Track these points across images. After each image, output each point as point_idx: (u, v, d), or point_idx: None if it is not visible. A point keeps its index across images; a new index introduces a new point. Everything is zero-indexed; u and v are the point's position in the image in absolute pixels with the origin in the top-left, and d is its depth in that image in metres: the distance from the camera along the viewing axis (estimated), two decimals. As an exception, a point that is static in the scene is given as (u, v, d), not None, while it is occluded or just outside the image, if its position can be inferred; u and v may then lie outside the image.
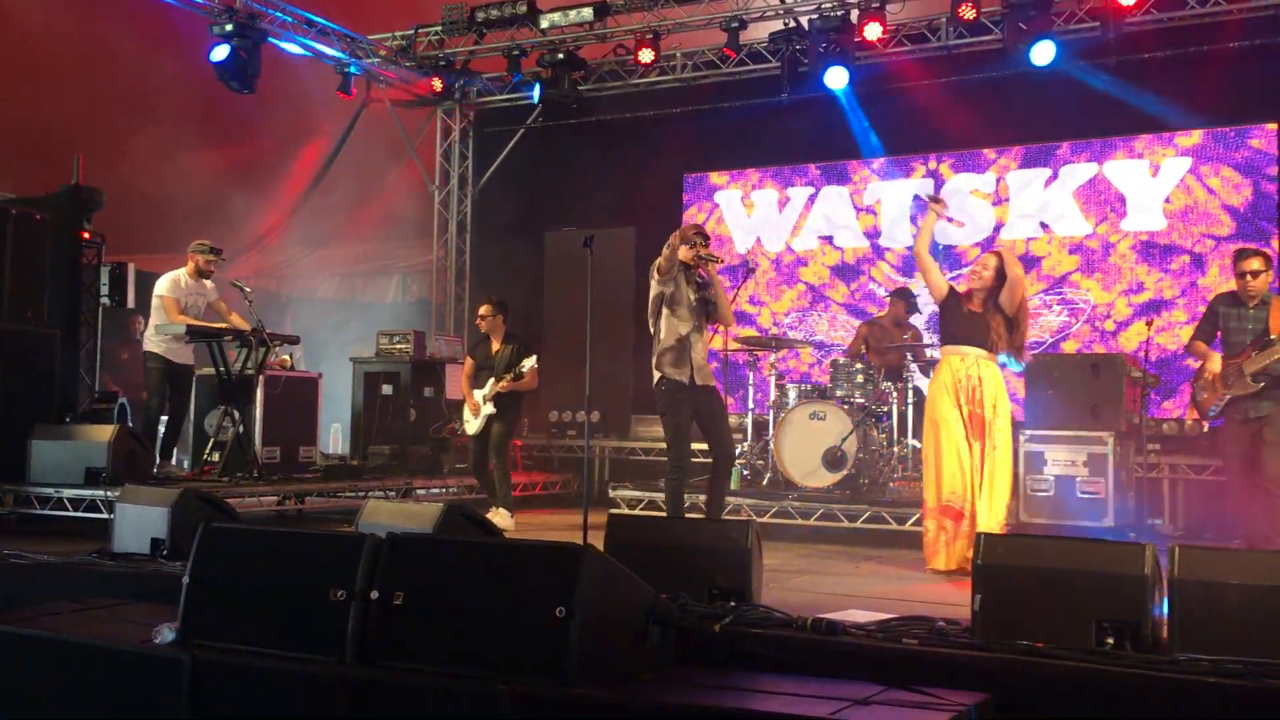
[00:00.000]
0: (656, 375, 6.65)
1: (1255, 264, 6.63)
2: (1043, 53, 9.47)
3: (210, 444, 8.78)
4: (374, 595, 3.85)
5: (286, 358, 9.53)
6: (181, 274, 8.70)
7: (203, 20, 10.36)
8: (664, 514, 8.30)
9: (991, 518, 6.27)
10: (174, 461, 9.23)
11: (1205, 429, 6.85)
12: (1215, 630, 3.79)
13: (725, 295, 6.81)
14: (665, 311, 6.60)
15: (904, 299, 9.53)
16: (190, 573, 4.19)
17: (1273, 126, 9.56)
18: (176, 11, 10.33)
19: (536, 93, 11.44)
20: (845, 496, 8.08)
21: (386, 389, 10.62)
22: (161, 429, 8.94)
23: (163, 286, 8.62)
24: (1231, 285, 6.98)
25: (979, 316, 6.46)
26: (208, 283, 8.83)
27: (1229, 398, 6.62)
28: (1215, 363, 6.70)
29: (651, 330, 6.72)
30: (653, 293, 6.65)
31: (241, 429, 8.49)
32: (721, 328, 7.84)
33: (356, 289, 14.66)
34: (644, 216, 12.02)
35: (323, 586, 3.91)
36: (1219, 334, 6.84)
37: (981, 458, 6.33)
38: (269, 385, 8.95)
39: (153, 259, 11.46)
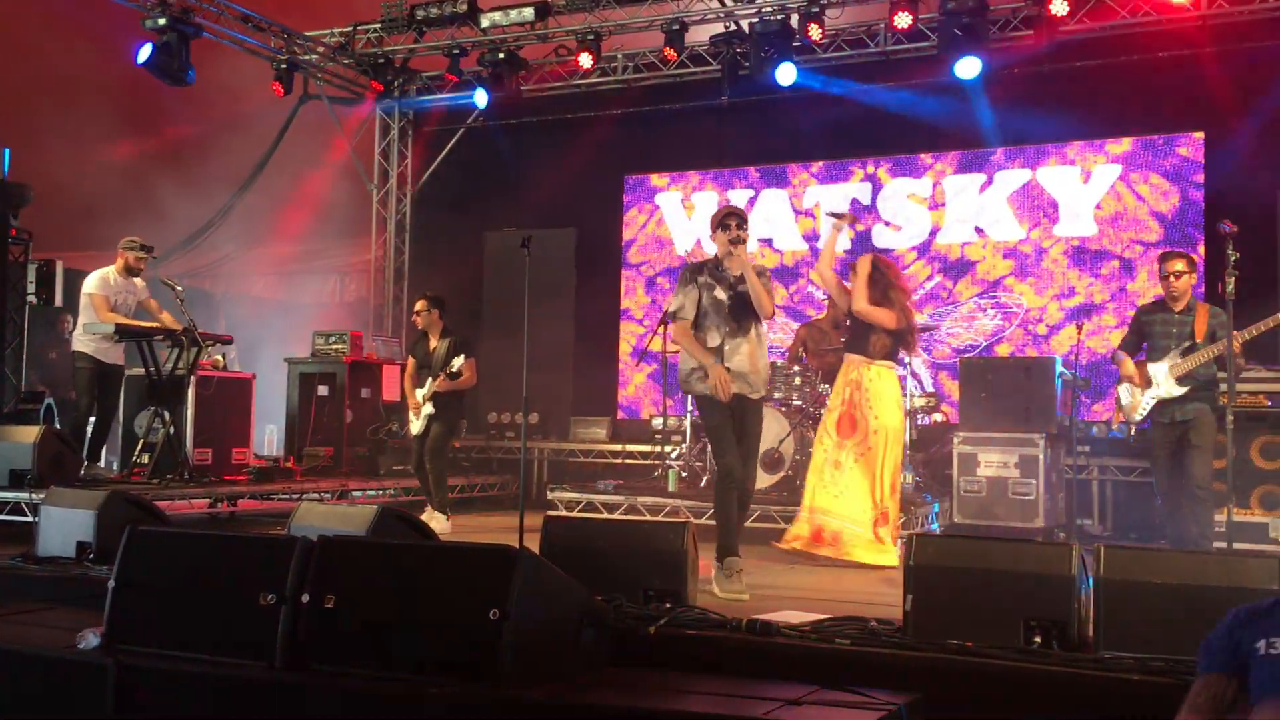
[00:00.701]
0: (690, 396, 6.10)
1: (1179, 265, 6.73)
2: (967, 67, 9.63)
3: (140, 446, 8.62)
4: (305, 599, 3.81)
5: (219, 358, 9.38)
6: (111, 272, 8.52)
7: (130, 12, 10.17)
8: (600, 515, 8.31)
9: (841, 515, 6.62)
10: (102, 463, 9.04)
11: (1133, 432, 6.94)
12: (1140, 628, 3.87)
13: (760, 283, 5.75)
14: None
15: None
16: (116, 576, 4.12)
17: (1199, 135, 9.78)
18: (103, 2, 10.12)
19: (483, 99, 11.36)
20: (782, 498, 8.12)
21: (323, 390, 10.50)
22: (90, 430, 8.76)
23: (92, 284, 8.44)
24: (1157, 290, 7.11)
25: (862, 327, 6.79)
26: (138, 281, 8.66)
27: (1155, 401, 6.70)
28: (1129, 367, 6.84)
29: None
30: None
31: (172, 430, 8.34)
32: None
33: (293, 288, 14.49)
34: (584, 218, 12.03)
35: (252, 590, 3.85)
36: (1144, 345, 6.93)
37: (839, 455, 6.65)
38: (201, 386, 8.80)
39: (83, 256, 11.24)
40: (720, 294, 5.79)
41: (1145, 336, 6.89)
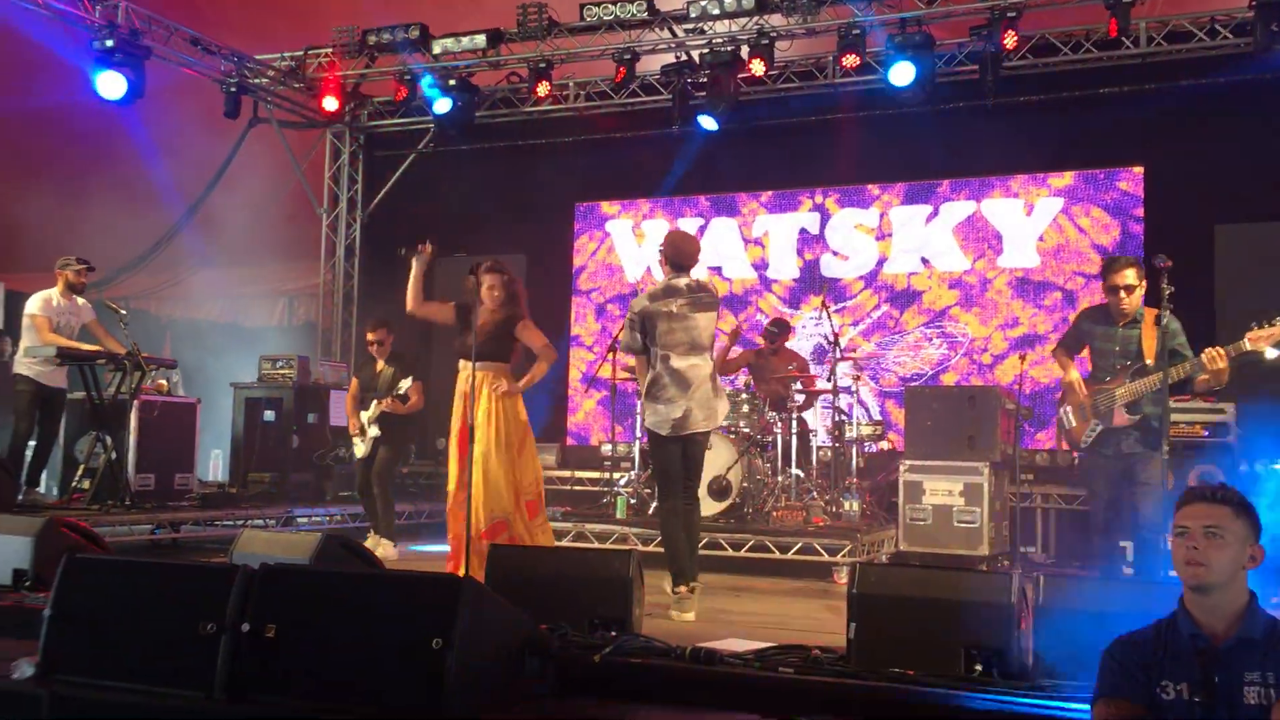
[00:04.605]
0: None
1: (1130, 277, 5.77)
2: (901, 73, 9.54)
3: (80, 471, 8.48)
4: (245, 628, 3.76)
5: (164, 382, 9.27)
6: (54, 293, 8.41)
7: (78, 33, 10.05)
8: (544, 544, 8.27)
9: (474, 518, 6.26)
10: (41, 489, 8.89)
11: (1075, 460, 6.59)
12: (1076, 656, 3.91)
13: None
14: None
15: (779, 330, 9.51)
16: (52, 605, 4.03)
17: (1139, 169, 10.00)
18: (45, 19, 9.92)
19: (445, 105, 11.15)
20: (730, 525, 8.15)
21: (269, 415, 10.40)
22: (29, 454, 8.60)
23: (34, 305, 8.33)
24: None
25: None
26: (80, 300, 8.55)
27: (1101, 428, 5.94)
28: (1082, 388, 6.03)
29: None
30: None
31: (114, 455, 8.21)
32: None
33: (241, 312, 14.34)
34: (535, 244, 12.05)
35: (192, 619, 3.80)
36: (1086, 349, 6.21)
37: (470, 462, 6.36)
38: (144, 410, 8.69)
39: (25, 278, 11.06)
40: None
41: (1086, 346, 6.16)
